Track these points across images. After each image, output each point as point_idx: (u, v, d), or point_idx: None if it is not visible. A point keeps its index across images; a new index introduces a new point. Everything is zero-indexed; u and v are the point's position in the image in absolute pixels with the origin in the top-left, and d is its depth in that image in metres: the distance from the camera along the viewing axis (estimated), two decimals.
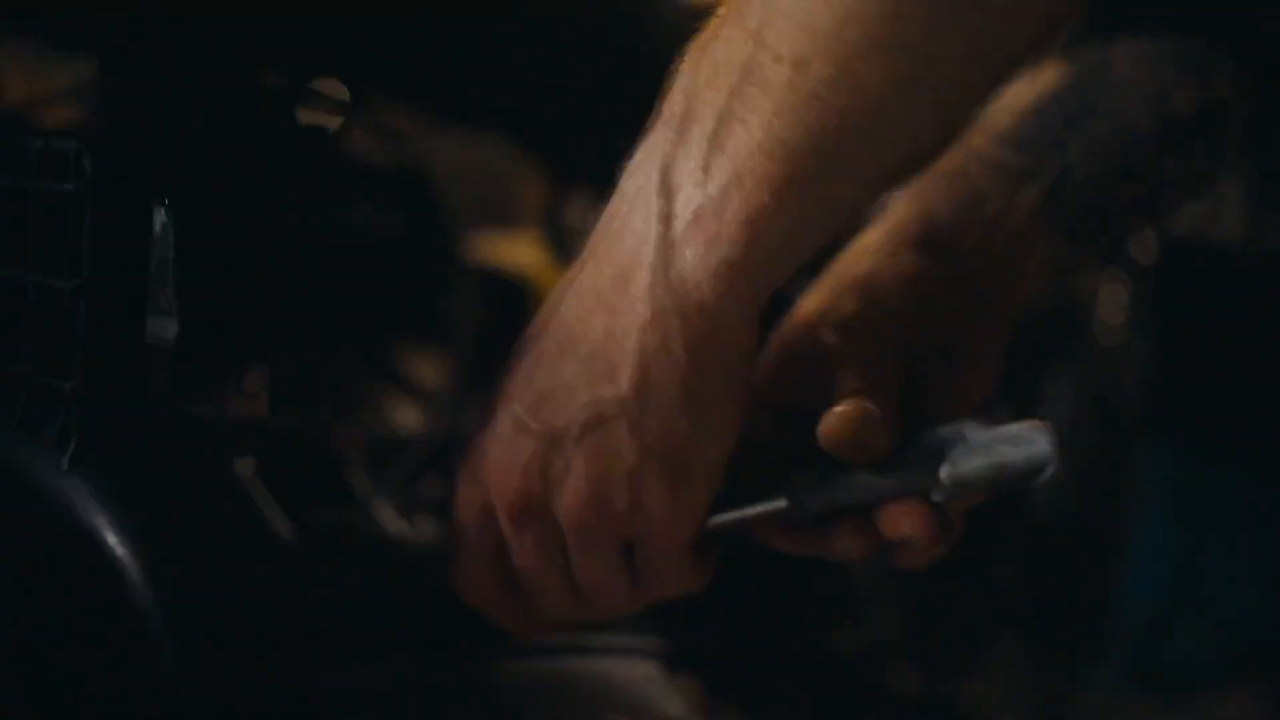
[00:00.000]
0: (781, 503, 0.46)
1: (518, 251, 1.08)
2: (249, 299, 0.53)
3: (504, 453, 0.46)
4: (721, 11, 0.44)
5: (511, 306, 1.05)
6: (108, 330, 0.46)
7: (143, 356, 0.47)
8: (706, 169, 0.42)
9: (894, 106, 0.41)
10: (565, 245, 1.05)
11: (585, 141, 1.06)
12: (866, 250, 0.53)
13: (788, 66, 0.41)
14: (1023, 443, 0.44)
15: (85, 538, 0.43)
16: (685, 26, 1.06)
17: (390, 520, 0.72)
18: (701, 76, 0.43)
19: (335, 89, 0.87)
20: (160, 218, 0.47)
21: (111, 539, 0.43)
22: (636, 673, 0.62)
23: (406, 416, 0.85)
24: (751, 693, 0.76)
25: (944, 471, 0.44)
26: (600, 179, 1.08)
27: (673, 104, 0.44)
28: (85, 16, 0.75)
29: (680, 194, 0.43)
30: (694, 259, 0.42)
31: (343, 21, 0.86)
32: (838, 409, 0.45)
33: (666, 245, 0.42)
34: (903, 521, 0.45)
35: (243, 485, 0.61)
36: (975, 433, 0.45)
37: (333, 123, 0.87)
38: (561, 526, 0.46)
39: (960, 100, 0.44)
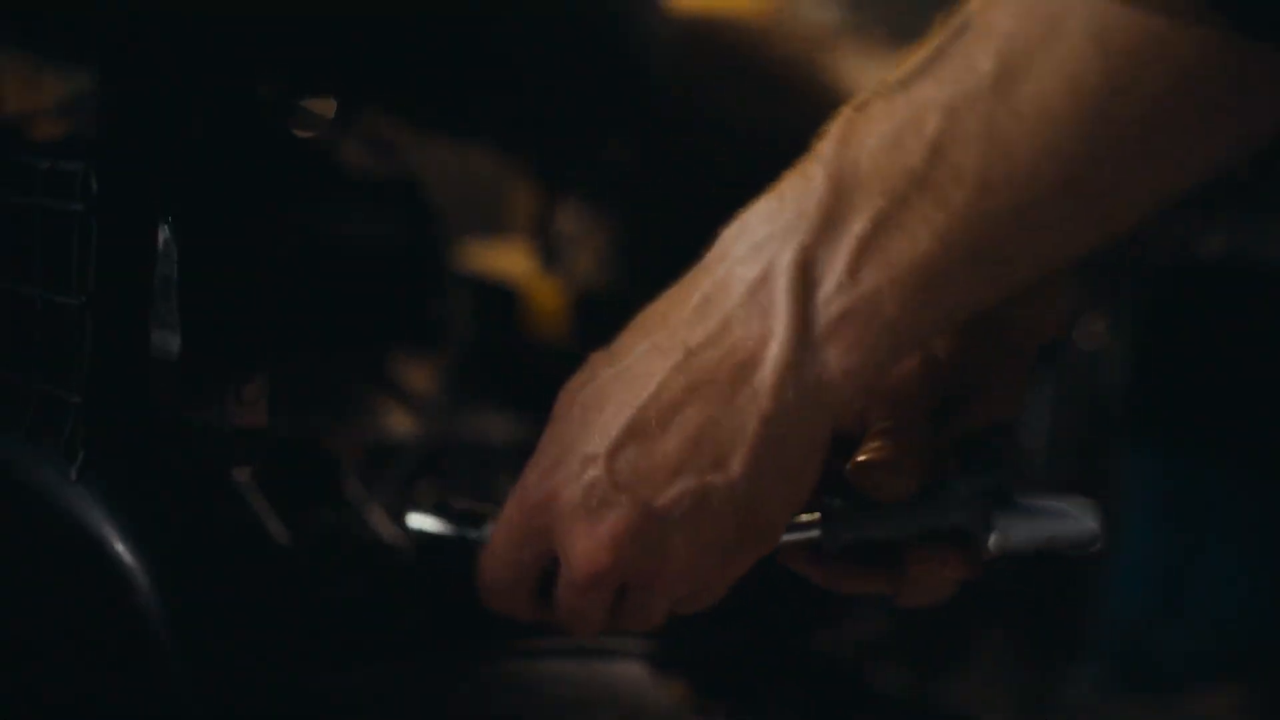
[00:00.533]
0: (815, 532, 0.47)
1: (508, 260, 1.10)
2: (249, 311, 0.54)
3: (588, 518, 0.46)
4: (879, 89, 0.43)
5: (502, 314, 1.07)
6: (114, 345, 0.47)
7: (147, 369, 0.49)
8: (855, 272, 0.41)
9: (1071, 242, 0.42)
10: (554, 253, 1.07)
11: (574, 150, 1.08)
12: None
13: (970, 190, 0.40)
14: (1071, 519, 0.46)
15: (94, 544, 0.45)
16: (673, 36, 1.08)
17: (384, 524, 0.73)
18: (859, 170, 0.42)
19: (326, 104, 0.89)
20: (163, 235, 0.49)
21: (119, 546, 0.45)
22: (626, 674, 0.63)
23: (399, 422, 0.87)
24: (740, 693, 0.78)
25: (993, 540, 0.46)
26: (587, 188, 1.10)
27: (813, 188, 0.43)
28: (88, 35, 0.77)
29: (820, 291, 0.42)
30: (835, 361, 0.42)
31: (336, 33, 0.88)
32: (864, 450, 0.46)
33: (802, 345, 0.42)
34: (935, 564, 0.47)
35: (242, 491, 0.63)
36: (1024, 499, 0.46)
37: (326, 135, 0.89)
38: (634, 587, 0.47)
39: (1134, 224, 0.43)
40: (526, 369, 1.02)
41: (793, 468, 0.44)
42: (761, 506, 0.44)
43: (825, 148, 0.43)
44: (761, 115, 1.21)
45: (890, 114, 0.41)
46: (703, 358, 0.44)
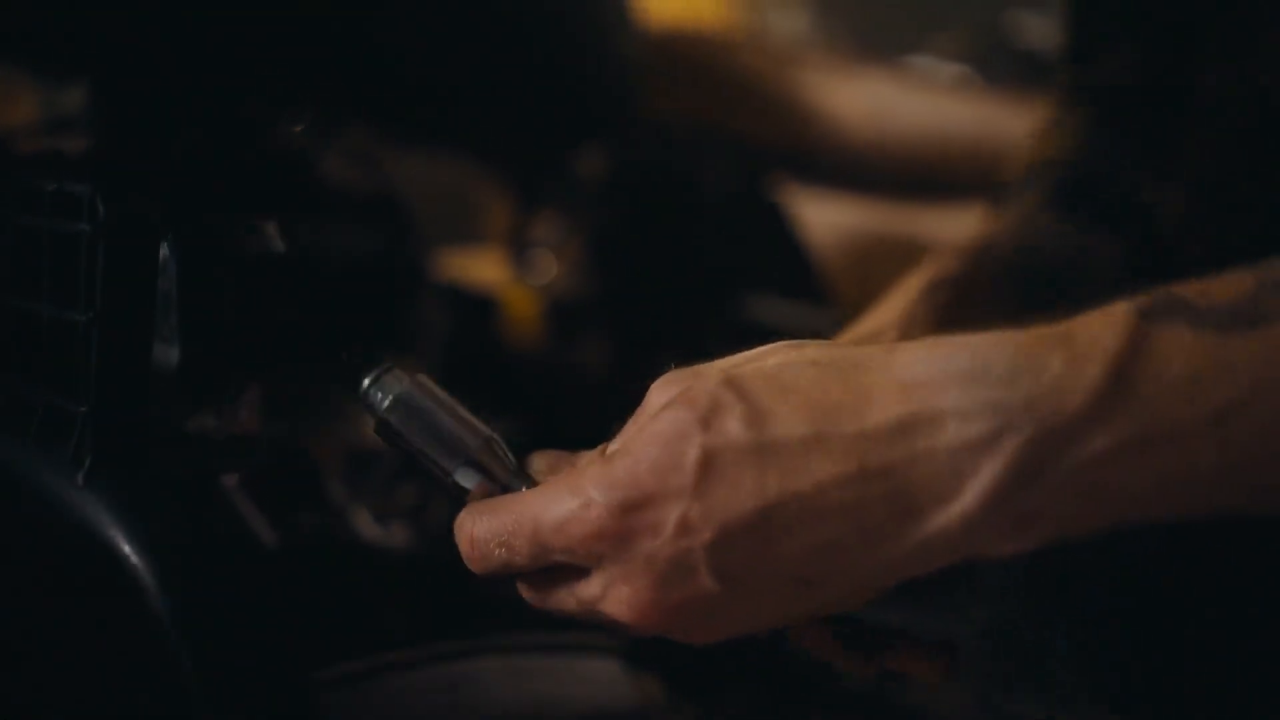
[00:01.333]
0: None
1: (484, 268, 1.12)
2: (245, 323, 0.57)
3: (659, 581, 0.43)
4: (1177, 304, 0.41)
5: (478, 322, 1.09)
6: (119, 357, 0.50)
7: (150, 381, 0.51)
8: (1083, 484, 0.40)
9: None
10: (529, 262, 1.10)
11: (547, 161, 1.11)
12: None
13: (1240, 468, 0.40)
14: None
15: (101, 546, 0.48)
16: (644, 49, 1.10)
17: (367, 527, 0.76)
18: (1148, 388, 0.40)
19: (310, 117, 0.91)
20: (164, 254, 0.52)
21: (126, 549, 0.47)
22: (599, 670, 0.65)
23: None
24: (710, 690, 0.80)
25: None
26: (561, 197, 1.13)
27: (1086, 378, 0.40)
28: (84, 55, 0.79)
29: (1035, 485, 0.40)
30: (987, 545, 0.41)
31: (318, 49, 0.90)
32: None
33: (976, 524, 0.41)
34: (914, 668, 0.48)
35: (232, 495, 0.66)
36: None
37: (310, 149, 0.91)
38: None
39: None
40: (503, 376, 1.05)
41: (872, 595, 0.44)
42: (826, 610, 0.45)
43: (1108, 342, 0.41)
44: (729, 125, 1.24)
45: (1200, 352, 0.40)
46: (874, 484, 0.42)
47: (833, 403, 0.42)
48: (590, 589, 0.45)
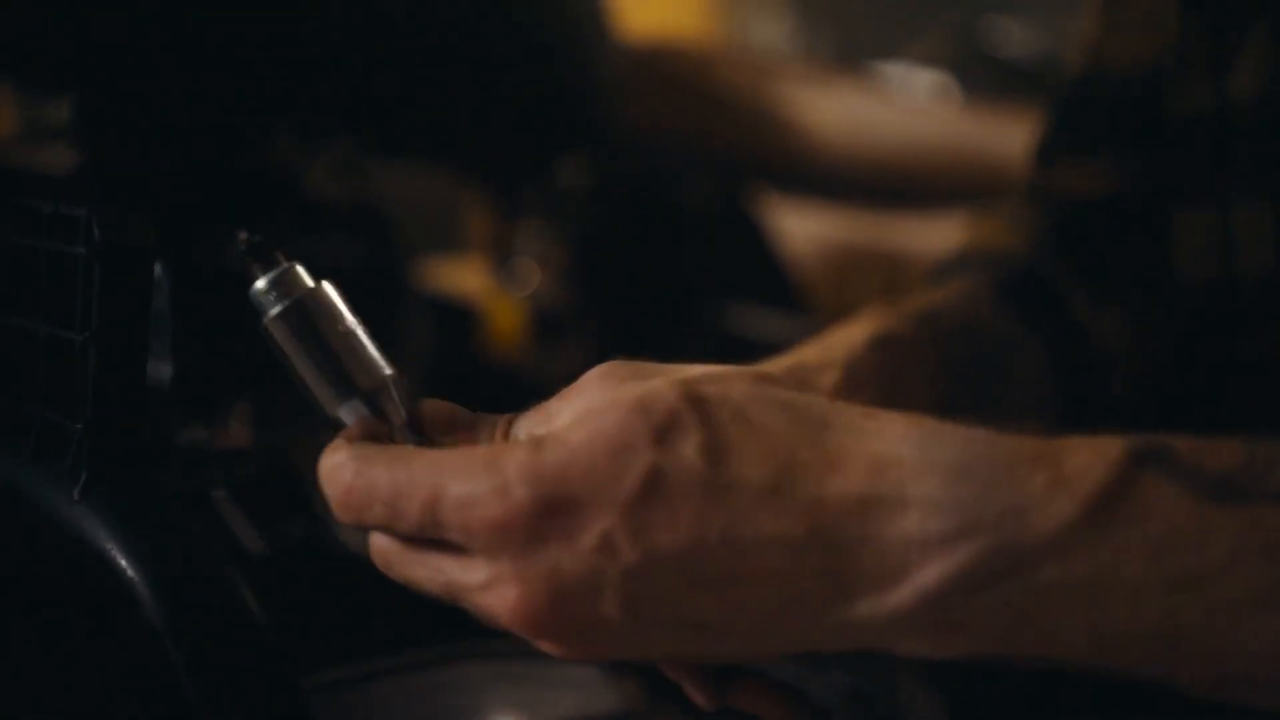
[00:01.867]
0: None
1: (466, 277, 1.14)
2: (234, 340, 0.59)
3: (557, 589, 0.40)
4: (1173, 458, 0.39)
5: (460, 332, 1.11)
6: (114, 377, 0.52)
7: (145, 398, 0.53)
8: (1032, 608, 0.39)
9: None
10: (513, 272, 1.12)
11: (531, 173, 1.12)
12: None
13: (1188, 639, 0.38)
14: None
15: (99, 561, 0.49)
16: (625, 64, 1.12)
17: (351, 534, 0.77)
18: (1119, 542, 0.38)
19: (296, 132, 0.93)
20: (159, 275, 0.53)
21: (123, 562, 0.49)
22: (581, 674, 0.66)
23: None
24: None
25: None
26: (544, 208, 1.15)
27: (1059, 506, 0.39)
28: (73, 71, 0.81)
29: (981, 596, 0.38)
30: (907, 643, 0.40)
31: (304, 65, 0.91)
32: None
33: (904, 621, 0.39)
34: (760, 705, 0.46)
35: (222, 505, 0.67)
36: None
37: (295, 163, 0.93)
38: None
39: None
40: (485, 385, 1.07)
41: (767, 658, 0.43)
42: (717, 658, 0.43)
43: (1095, 476, 0.39)
44: (708, 139, 1.26)
45: (1179, 513, 0.38)
46: (816, 555, 0.39)
47: (798, 458, 0.39)
48: (470, 575, 0.41)
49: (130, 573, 0.48)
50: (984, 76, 2.11)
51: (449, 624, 0.68)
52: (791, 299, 1.23)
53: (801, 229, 1.28)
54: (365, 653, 0.67)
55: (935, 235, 1.37)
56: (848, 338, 0.65)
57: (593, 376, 0.44)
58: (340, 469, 0.43)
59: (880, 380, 0.62)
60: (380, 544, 0.44)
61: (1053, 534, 0.38)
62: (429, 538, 0.42)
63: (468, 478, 0.40)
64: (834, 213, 1.34)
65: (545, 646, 0.42)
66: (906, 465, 0.39)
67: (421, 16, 0.93)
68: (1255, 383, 0.70)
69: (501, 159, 1.06)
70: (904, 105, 1.48)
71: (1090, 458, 0.39)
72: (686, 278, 1.20)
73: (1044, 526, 0.38)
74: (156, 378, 0.54)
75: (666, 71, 1.26)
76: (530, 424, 0.45)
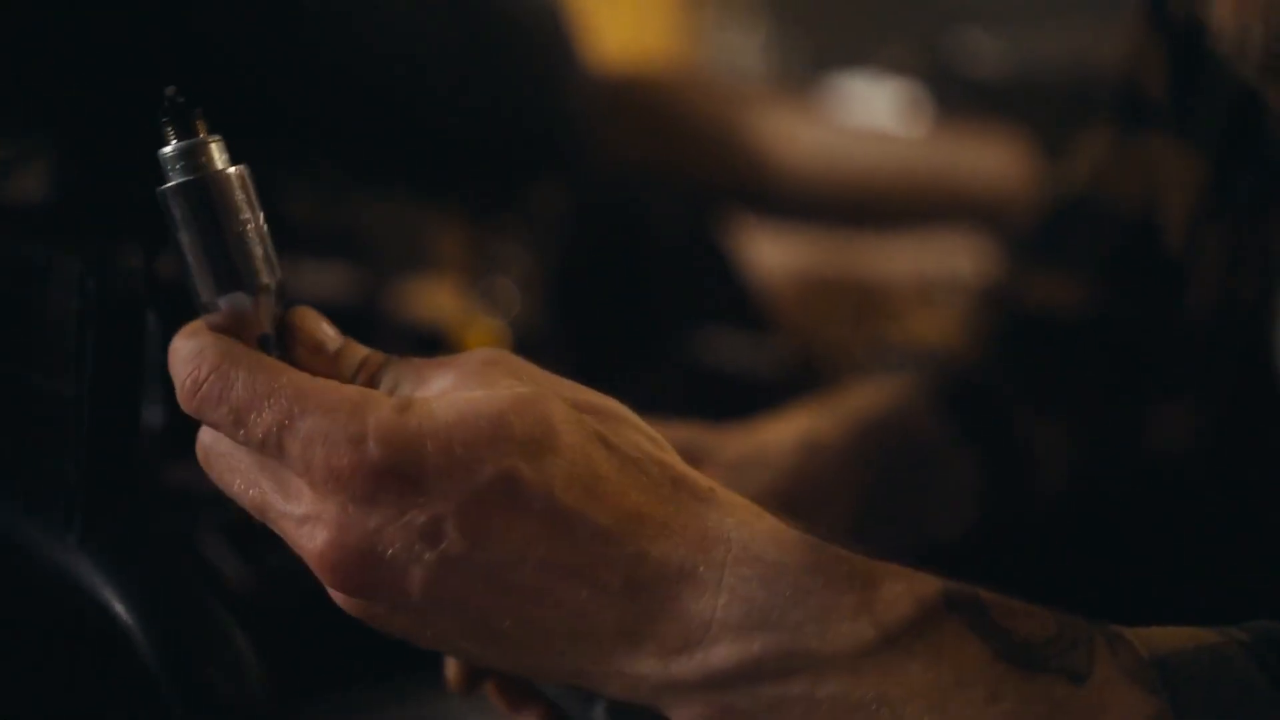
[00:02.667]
0: None
1: (438, 299, 1.15)
2: None
3: (369, 548, 0.39)
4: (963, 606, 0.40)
5: (434, 354, 1.13)
6: (109, 427, 0.53)
7: (138, 446, 0.55)
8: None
9: None
10: (490, 294, 1.13)
11: (507, 197, 1.14)
12: None
13: None
14: None
15: (96, 607, 0.51)
16: (599, 92, 1.14)
17: None
18: (895, 676, 0.39)
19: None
20: (151, 325, 0.55)
21: (120, 608, 0.51)
22: (566, 705, 0.69)
23: None
24: None
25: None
26: (521, 232, 1.16)
27: (855, 628, 0.39)
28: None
29: (759, 688, 0.39)
30: (686, 713, 0.40)
31: (282, 91, 0.93)
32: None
33: (679, 686, 0.40)
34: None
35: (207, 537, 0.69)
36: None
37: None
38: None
39: None
40: None
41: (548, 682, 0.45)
42: (501, 666, 0.44)
43: (901, 611, 0.39)
44: (680, 165, 1.28)
45: (973, 667, 0.39)
46: (621, 606, 0.40)
47: (639, 512, 0.40)
48: (290, 504, 0.41)
49: (127, 619, 0.50)
50: (951, 89, 2.14)
51: (435, 655, 0.70)
52: (761, 323, 1.25)
53: (772, 255, 1.30)
54: (350, 684, 0.69)
55: (903, 260, 1.40)
56: (778, 437, 0.67)
57: (476, 359, 0.43)
58: (200, 355, 0.42)
59: (804, 485, 0.65)
60: (208, 440, 0.43)
61: (847, 651, 0.39)
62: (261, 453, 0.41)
63: (327, 415, 0.39)
64: (804, 238, 1.36)
65: (336, 596, 0.41)
66: (733, 549, 0.40)
67: (399, 47, 0.94)
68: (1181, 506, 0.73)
69: (475, 186, 1.07)
70: (870, 131, 1.50)
71: (904, 590, 0.40)
72: (657, 303, 1.22)
73: (840, 642, 0.39)
74: (148, 421, 0.56)
75: (638, 100, 1.28)
76: (399, 376, 0.44)
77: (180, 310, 0.58)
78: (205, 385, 0.41)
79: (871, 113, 2.29)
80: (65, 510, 0.53)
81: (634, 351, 1.21)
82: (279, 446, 0.40)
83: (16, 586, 0.55)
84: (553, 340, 1.15)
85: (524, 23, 0.97)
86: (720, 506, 0.41)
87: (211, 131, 0.43)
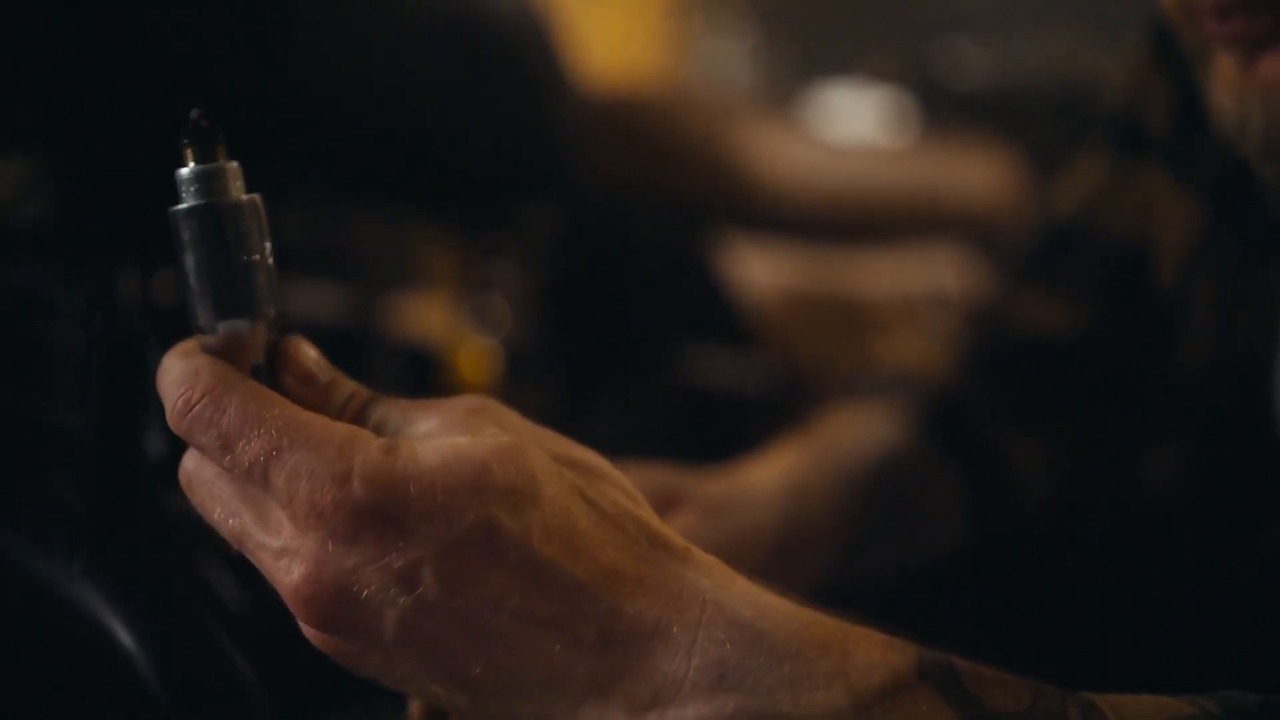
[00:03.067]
0: None
1: (430, 317, 1.16)
2: None
3: (345, 587, 0.39)
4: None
5: (425, 372, 1.14)
6: (113, 458, 0.55)
7: (141, 476, 0.56)
8: None
9: None
10: (483, 313, 1.15)
11: (499, 217, 1.16)
12: None
13: None
14: None
15: (100, 634, 0.53)
16: (588, 114, 1.15)
17: None
18: None
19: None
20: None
21: (123, 635, 0.52)
22: None
23: None
24: None
25: None
26: (512, 251, 1.17)
27: (828, 702, 0.40)
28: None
29: None
30: None
31: (274, 112, 0.94)
32: None
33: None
34: None
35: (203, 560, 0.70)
36: None
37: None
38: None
39: None
40: None
41: None
42: (462, 713, 0.43)
43: (874, 681, 0.40)
44: (666, 185, 1.30)
45: None
46: (592, 659, 0.40)
47: (616, 568, 0.41)
48: (268, 536, 0.41)
49: (131, 645, 0.52)
50: (936, 98, 2.16)
51: None
52: (749, 340, 1.26)
53: (759, 272, 1.31)
54: (344, 706, 0.70)
55: (888, 276, 1.42)
56: (763, 479, 0.68)
57: (462, 405, 0.44)
58: (194, 377, 0.42)
59: (791, 527, 0.66)
60: (192, 466, 0.44)
61: (819, 712, 0.39)
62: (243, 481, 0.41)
63: (315, 450, 0.40)
64: (790, 256, 1.38)
65: (308, 632, 0.42)
66: (707, 610, 0.40)
67: (392, 70, 0.96)
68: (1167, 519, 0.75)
69: (467, 206, 1.09)
70: (856, 146, 1.52)
71: (878, 658, 0.40)
72: (646, 320, 1.24)
73: (813, 709, 0.39)
74: (149, 448, 0.57)
75: (626, 120, 1.30)
76: (387, 414, 0.45)
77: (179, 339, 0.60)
78: (197, 407, 0.42)
79: (857, 121, 2.32)
80: (70, 539, 0.55)
81: (623, 368, 1.22)
82: (264, 476, 0.40)
83: (22, 613, 0.56)
84: (543, 357, 1.16)
85: (515, 46, 0.99)
86: (696, 566, 0.42)
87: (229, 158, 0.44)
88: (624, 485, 0.44)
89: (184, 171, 0.43)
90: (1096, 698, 0.41)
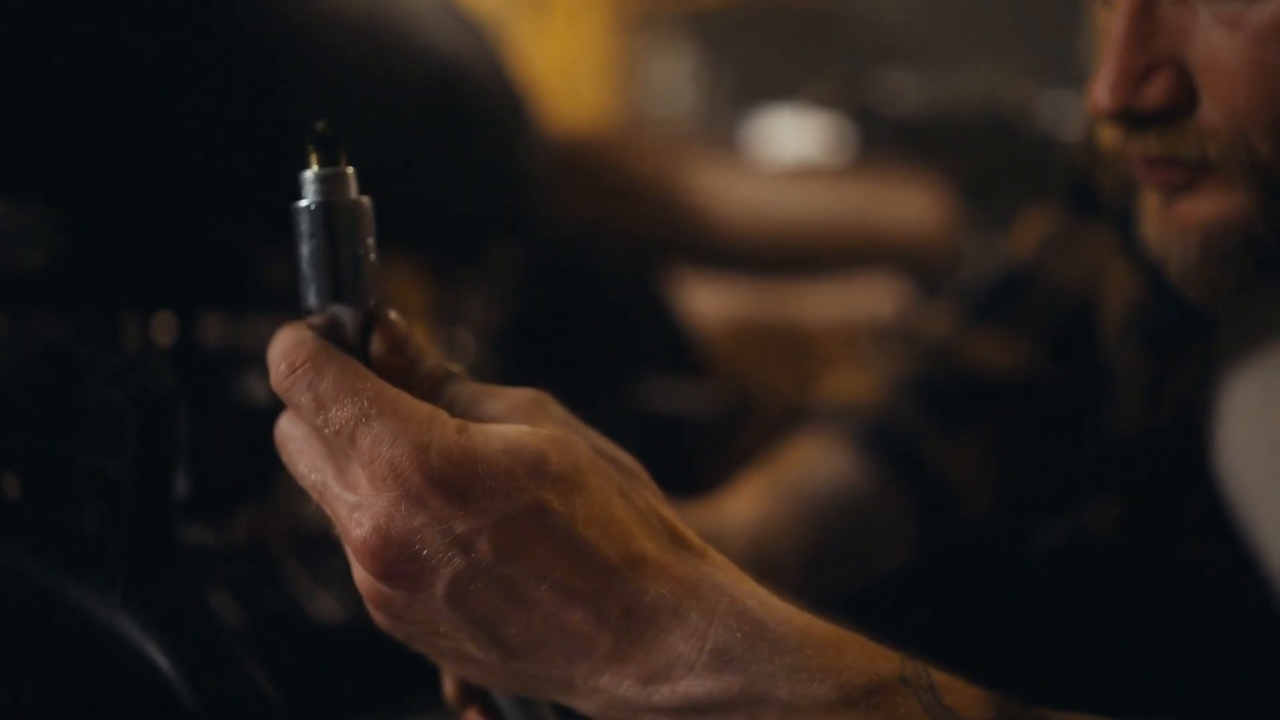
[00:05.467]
0: None
1: None
2: (242, 461, 0.69)
3: (405, 551, 0.44)
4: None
5: None
6: (148, 499, 0.61)
7: (171, 514, 0.63)
8: None
9: None
10: (456, 343, 1.20)
11: (468, 251, 1.21)
12: None
13: None
14: None
15: (139, 659, 0.59)
16: (549, 155, 1.21)
17: (329, 607, 0.87)
18: None
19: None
20: (182, 415, 0.63)
21: (161, 660, 0.59)
22: None
23: None
24: None
25: None
26: (482, 283, 1.23)
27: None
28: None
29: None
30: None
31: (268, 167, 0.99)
32: None
33: (655, 707, 0.45)
34: None
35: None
36: None
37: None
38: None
39: None
40: None
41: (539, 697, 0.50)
42: (498, 684, 0.49)
43: (864, 680, 0.45)
44: (622, 222, 1.36)
45: None
46: (621, 634, 0.45)
47: (645, 554, 0.46)
48: (347, 491, 0.45)
49: (171, 669, 0.58)
50: (872, 123, 2.24)
51: (415, 690, 0.78)
52: (700, 369, 1.32)
53: (709, 304, 1.37)
54: (336, 715, 0.76)
55: (828, 304, 1.49)
56: (726, 517, 0.74)
57: (527, 397, 0.49)
58: (299, 346, 0.47)
59: (754, 555, 0.72)
60: (286, 426, 0.49)
61: (809, 705, 0.44)
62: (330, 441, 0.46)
63: (400, 420, 0.44)
64: (737, 287, 1.44)
65: (363, 582, 0.46)
66: (722, 602, 0.46)
67: (375, 125, 1.01)
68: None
69: (440, 246, 1.15)
70: (797, 184, 1.58)
71: (866, 661, 0.45)
72: (604, 351, 1.29)
73: (805, 698, 0.44)
74: (175, 491, 0.64)
75: (585, 163, 1.36)
76: (459, 392, 0.50)
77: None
78: (299, 371, 0.46)
79: (798, 144, 2.40)
80: (109, 573, 0.61)
81: (582, 396, 1.26)
82: (351, 438, 0.45)
83: (66, 640, 0.62)
84: (508, 386, 1.21)
85: (487, 102, 1.06)
86: (713, 563, 0.47)
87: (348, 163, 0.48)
88: (653, 488, 0.50)
89: (308, 173, 0.48)
90: (1048, 713, 0.46)
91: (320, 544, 0.90)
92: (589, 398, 1.28)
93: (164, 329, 0.71)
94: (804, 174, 1.75)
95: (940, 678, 0.46)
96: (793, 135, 2.44)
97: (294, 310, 0.51)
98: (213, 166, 0.92)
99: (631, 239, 1.37)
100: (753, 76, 2.86)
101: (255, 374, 0.87)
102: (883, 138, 2.16)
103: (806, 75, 2.55)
